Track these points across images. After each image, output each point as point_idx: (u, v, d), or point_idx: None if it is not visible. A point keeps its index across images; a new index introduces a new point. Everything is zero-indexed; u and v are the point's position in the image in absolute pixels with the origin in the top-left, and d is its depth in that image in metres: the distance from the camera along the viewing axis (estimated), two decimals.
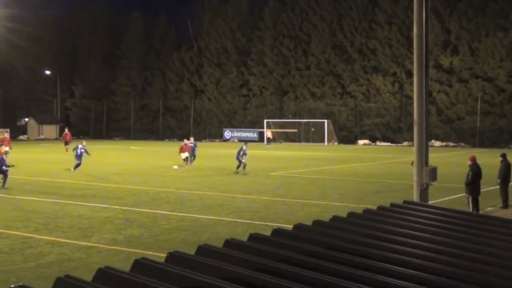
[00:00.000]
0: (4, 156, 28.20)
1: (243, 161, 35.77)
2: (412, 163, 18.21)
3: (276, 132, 77.37)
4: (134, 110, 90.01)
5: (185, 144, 39.75)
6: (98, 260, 14.11)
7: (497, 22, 66.71)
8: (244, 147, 36.71)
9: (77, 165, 35.42)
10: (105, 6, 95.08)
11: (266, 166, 40.51)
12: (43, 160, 46.12)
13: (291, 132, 76.62)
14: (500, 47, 65.94)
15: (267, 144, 68.95)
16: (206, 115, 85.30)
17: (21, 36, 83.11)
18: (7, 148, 34.27)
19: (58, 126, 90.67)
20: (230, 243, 7.01)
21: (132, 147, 50.14)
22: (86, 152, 36.55)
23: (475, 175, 20.69)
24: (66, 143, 53.37)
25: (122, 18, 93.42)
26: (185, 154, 39.33)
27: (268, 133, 71.81)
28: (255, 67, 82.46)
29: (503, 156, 23.79)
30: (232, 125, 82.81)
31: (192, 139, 43.31)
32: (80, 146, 36.30)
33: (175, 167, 35.64)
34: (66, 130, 56.24)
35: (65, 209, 21.81)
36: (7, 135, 42.60)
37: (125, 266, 6.61)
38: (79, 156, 35.73)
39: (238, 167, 35.69)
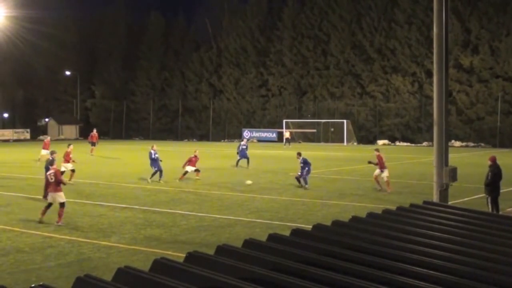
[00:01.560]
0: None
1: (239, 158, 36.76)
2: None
3: (295, 132, 77.26)
4: (153, 110, 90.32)
5: (195, 156, 32.48)
6: (118, 259, 14.19)
7: None
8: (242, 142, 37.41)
9: (155, 173, 30.67)
10: (124, 6, 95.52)
11: (285, 166, 40.46)
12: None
13: (310, 132, 76.49)
14: None
15: (285, 145, 68.81)
16: (225, 115, 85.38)
17: (41, 37, 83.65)
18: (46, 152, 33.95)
19: (78, 126, 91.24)
20: (249, 243, 7.03)
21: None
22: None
23: (494, 175, 20.54)
24: (93, 144, 51.82)
25: (141, 19, 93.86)
26: (190, 168, 32.05)
27: (286, 134, 71.64)
28: (274, 67, 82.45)
29: None
30: (251, 125, 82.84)
31: (245, 140, 43.03)
32: (152, 151, 31.10)
33: (248, 182, 29.61)
34: (94, 131, 54.66)
35: (84, 209, 21.95)
36: (47, 140, 42.07)
37: (144, 266, 6.65)
38: (154, 162, 30.86)
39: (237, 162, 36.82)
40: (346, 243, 7.01)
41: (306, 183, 28.93)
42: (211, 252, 6.94)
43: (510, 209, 22.02)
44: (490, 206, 20.34)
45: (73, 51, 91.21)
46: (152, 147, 31.81)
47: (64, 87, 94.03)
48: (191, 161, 32.07)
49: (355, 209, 20.74)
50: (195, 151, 33.03)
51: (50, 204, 19.36)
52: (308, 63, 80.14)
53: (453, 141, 65.19)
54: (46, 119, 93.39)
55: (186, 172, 31.62)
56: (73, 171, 30.17)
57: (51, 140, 46.16)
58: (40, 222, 19.07)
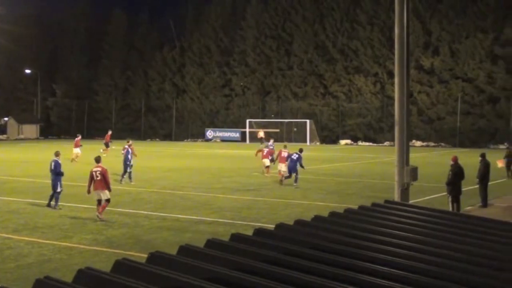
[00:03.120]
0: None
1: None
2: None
3: (255, 132, 77.27)
4: (116, 109, 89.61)
5: (269, 149, 34.29)
6: (79, 261, 14.02)
7: (477, 24, 67.30)
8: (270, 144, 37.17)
9: (126, 172, 30.16)
10: (87, 4, 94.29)
11: (249, 165, 40.47)
12: (23, 160, 45.76)
13: (273, 132, 76.64)
14: (480, 49, 66.52)
15: (261, 144, 68.89)
16: (188, 114, 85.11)
17: (0, 35, 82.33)
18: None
19: (38, 126, 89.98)
20: (212, 243, 6.99)
21: (113, 147, 49.84)
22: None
23: (455, 175, 20.83)
24: (107, 145, 50.88)
25: (104, 17, 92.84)
26: (267, 161, 33.79)
27: (260, 133, 71.65)
28: (237, 67, 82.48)
29: (482, 156, 24.00)
30: (214, 125, 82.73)
31: (272, 141, 40.91)
32: (130, 149, 30.72)
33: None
34: (110, 132, 54.34)
35: (45, 210, 21.65)
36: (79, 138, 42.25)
37: (106, 267, 6.57)
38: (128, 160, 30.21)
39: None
40: (309, 242, 7.01)
41: (295, 181, 29.20)
42: (173, 252, 6.89)
43: (470, 208, 22.32)
44: (451, 205, 20.60)
45: (34, 49, 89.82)
46: (130, 144, 31.46)
47: (24, 85, 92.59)
48: (264, 155, 34.13)
49: (318, 209, 20.82)
50: (267, 146, 36.15)
51: (99, 201, 19.82)
52: (271, 63, 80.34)
53: (414, 140, 65.93)
54: (5, 118, 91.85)
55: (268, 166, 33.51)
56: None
57: (9, 138, 45.44)
58: (101, 220, 19.42)
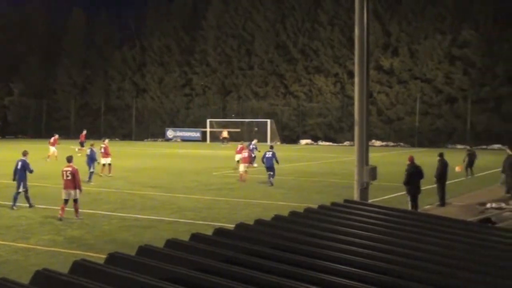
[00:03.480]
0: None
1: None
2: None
3: (219, 132, 77.22)
4: (75, 108, 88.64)
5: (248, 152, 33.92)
6: (36, 262, 13.81)
7: (435, 25, 68.23)
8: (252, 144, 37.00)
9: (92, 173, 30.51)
10: (45, 2, 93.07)
11: (209, 165, 40.41)
12: None
13: (234, 131, 76.60)
14: (438, 50, 67.45)
15: (223, 144, 69.11)
16: (148, 114, 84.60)
17: None
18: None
19: None
20: (172, 243, 6.95)
21: (72, 146, 49.29)
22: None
23: (410, 175, 21.07)
24: (82, 144, 50.66)
25: (63, 15, 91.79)
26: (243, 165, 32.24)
27: (224, 133, 71.71)
28: (198, 67, 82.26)
29: (440, 155, 24.34)
30: (174, 125, 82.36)
31: (255, 141, 41.90)
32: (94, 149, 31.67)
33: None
34: (84, 131, 54.56)
35: (1, 211, 21.31)
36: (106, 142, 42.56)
37: (64, 268, 6.49)
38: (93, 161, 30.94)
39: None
40: (269, 242, 7.02)
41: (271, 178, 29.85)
42: (133, 252, 6.83)
43: (428, 207, 22.59)
44: (410, 204, 20.84)
45: None
46: (93, 145, 32.16)
47: None
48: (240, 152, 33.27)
49: (278, 208, 20.86)
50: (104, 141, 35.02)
51: (66, 200, 19.85)
52: (232, 63, 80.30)
53: (373, 140, 66.52)
54: None
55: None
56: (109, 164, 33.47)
57: None
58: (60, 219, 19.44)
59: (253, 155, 36.38)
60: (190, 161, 45.21)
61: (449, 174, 24.83)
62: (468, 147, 39.34)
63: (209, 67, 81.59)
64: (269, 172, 29.93)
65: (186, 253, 6.64)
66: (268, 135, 72.94)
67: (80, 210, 20.74)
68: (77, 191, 19.89)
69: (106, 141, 35.22)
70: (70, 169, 19.92)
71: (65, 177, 19.84)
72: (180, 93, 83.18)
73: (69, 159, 20.59)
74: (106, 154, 33.61)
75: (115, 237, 17.04)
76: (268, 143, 71.15)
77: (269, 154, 30.38)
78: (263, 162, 30.86)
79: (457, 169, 32.80)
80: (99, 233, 17.61)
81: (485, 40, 64.85)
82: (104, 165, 33.53)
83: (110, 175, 32.87)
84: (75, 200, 19.82)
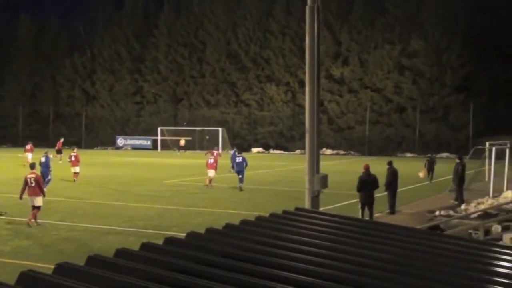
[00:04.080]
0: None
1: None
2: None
3: (170, 140, 76.85)
4: (23, 116, 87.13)
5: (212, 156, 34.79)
6: None
7: (385, 35, 69.19)
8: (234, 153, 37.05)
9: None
10: None
11: (160, 174, 40.15)
12: None
13: (186, 140, 76.31)
14: (387, 59, 68.39)
15: (178, 151, 69.09)
16: (98, 122, 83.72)
17: None
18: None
19: None
20: (122, 253, 6.86)
21: (20, 155, 48.47)
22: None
23: (361, 182, 21.30)
24: (59, 151, 51.67)
25: (12, 22, 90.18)
26: (212, 172, 32.88)
27: (181, 142, 71.44)
28: (149, 74, 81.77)
29: (390, 163, 24.64)
30: (125, 133, 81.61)
31: (234, 149, 42.49)
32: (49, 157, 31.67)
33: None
34: (62, 139, 55.54)
35: None
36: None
37: (11, 279, 6.36)
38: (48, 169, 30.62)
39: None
40: (220, 250, 6.99)
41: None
42: (82, 263, 6.73)
43: (378, 215, 22.81)
44: (360, 212, 21.01)
45: None
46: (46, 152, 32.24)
47: None
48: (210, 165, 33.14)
49: (230, 216, 20.84)
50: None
51: (33, 207, 20.14)
52: (183, 71, 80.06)
53: (324, 149, 66.98)
54: None
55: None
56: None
57: None
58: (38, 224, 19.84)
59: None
60: (141, 169, 44.86)
61: (412, 180, 25.15)
62: (430, 154, 41.39)
63: (160, 75, 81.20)
64: (239, 176, 31.38)
65: (136, 262, 6.57)
66: (219, 143, 72.73)
67: (27, 219, 20.37)
68: (41, 197, 20.17)
69: (76, 149, 36.31)
70: (34, 176, 20.21)
71: (29, 184, 20.04)
72: (131, 101, 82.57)
73: (32, 166, 21.01)
74: (77, 162, 34.62)
75: (64, 247, 16.78)
76: (220, 151, 71.15)
77: (239, 159, 32.01)
78: (233, 167, 32.86)
79: (421, 174, 34.23)
80: (48, 243, 17.32)
81: (433, 50, 66.04)
82: (75, 173, 34.48)
83: (75, 182, 33.86)
84: (38, 207, 20.09)
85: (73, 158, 34.72)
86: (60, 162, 47.15)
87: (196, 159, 57.98)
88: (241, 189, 30.78)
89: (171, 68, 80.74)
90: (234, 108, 77.20)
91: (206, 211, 23.61)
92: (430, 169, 36.54)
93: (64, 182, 33.40)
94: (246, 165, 31.80)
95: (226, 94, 77.79)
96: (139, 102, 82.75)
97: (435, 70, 65.81)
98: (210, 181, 32.59)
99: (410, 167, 40.61)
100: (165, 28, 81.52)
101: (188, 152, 69.77)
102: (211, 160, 33.14)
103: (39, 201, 20.15)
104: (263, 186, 33.44)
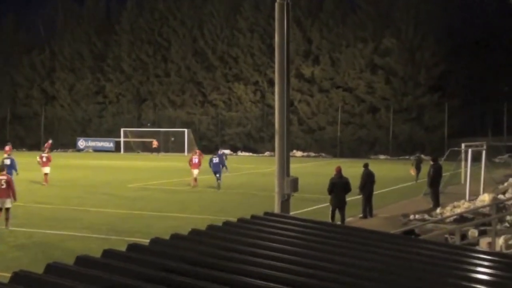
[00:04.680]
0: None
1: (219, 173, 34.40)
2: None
3: (134, 142, 76.47)
4: None
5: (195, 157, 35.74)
6: None
7: (357, 33, 69.40)
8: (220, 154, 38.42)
9: None
10: None
11: (123, 177, 39.95)
12: None
13: (150, 141, 75.97)
14: (359, 58, 68.64)
15: (152, 153, 69.11)
16: (58, 123, 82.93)
17: None
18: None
19: None
20: (82, 260, 6.81)
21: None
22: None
23: (332, 184, 21.43)
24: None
25: None
26: (196, 172, 34.65)
27: (154, 143, 71.22)
28: (111, 73, 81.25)
29: (365, 166, 24.78)
30: (86, 134, 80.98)
31: (221, 150, 44.11)
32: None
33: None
34: (50, 141, 55.72)
35: None
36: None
37: None
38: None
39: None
40: (186, 257, 6.97)
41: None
42: (40, 271, 6.66)
43: (351, 219, 22.93)
44: (331, 216, 21.11)
45: None
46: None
47: None
48: (193, 164, 34.80)
49: (196, 222, 20.78)
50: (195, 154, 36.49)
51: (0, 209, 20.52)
52: (147, 70, 79.71)
53: (294, 151, 67.06)
54: None
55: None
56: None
57: None
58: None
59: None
60: (103, 172, 44.57)
61: (387, 182, 25.29)
62: (417, 154, 42.83)
63: (123, 74, 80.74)
64: (216, 176, 33.33)
65: (97, 270, 6.51)
66: (185, 145, 72.53)
67: None
68: (11, 199, 20.57)
69: (47, 150, 37.01)
70: (4, 177, 20.65)
71: (0, 186, 20.33)
72: (92, 101, 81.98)
73: (1, 168, 21.50)
74: (48, 162, 35.29)
75: (22, 254, 16.60)
76: (186, 154, 70.99)
77: (216, 160, 33.95)
78: (210, 167, 33.93)
79: (412, 172, 37.02)
80: (4, 249, 17.13)
81: (406, 48, 66.45)
82: (46, 174, 35.01)
83: (45, 184, 34.37)
84: (7, 209, 20.51)
85: (44, 159, 35.09)
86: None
87: (160, 161, 57.76)
88: (219, 188, 32.93)
89: (134, 66, 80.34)
90: (200, 108, 77.04)
91: (172, 216, 23.54)
92: (417, 168, 37.86)
93: (26, 185, 33.01)
94: (223, 165, 34.01)
95: (192, 94, 77.62)
96: (101, 102, 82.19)
97: (409, 69, 66.23)
98: (196, 180, 34.18)
99: (384, 170, 40.93)
100: (128, 24, 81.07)
101: (161, 154, 69.63)
102: (196, 160, 34.75)
103: (9, 203, 20.57)
104: (231, 189, 33.42)
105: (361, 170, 25.47)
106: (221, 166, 34.37)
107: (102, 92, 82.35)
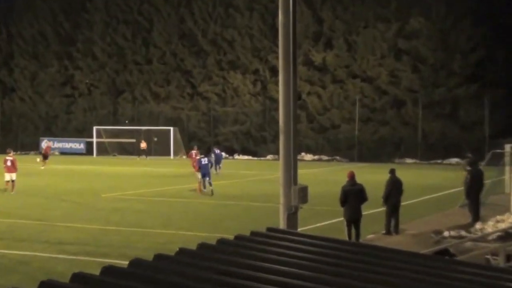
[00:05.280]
0: None
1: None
2: None
3: (109, 143, 76.48)
4: None
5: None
6: None
7: (377, 11, 69.02)
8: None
9: None
10: None
11: (96, 185, 39.94)
12: None
13: (128, 142, 75.99)
14: (380, 41, 68.35)
15: (139, 157, 69.20)
16: (17, 120, 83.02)
17: None
18: None
19: None
20: (47, 286, 6.82)
21: None
22: None
23: (344, 194, 21.31)
24: (45, 157, 54.17)
25: None
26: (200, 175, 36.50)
27: (143, 145, 71.07)
28: (82, 60, 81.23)
29: (392, 172, 24.57)
30: (52, 133, 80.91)
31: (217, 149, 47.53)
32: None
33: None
34: (49, 143, 55.60)
35: None
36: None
37: None
38: None
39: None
40: (171, 282, 6.99)
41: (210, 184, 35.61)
42: None
43: (372, 236, 22.87)
44: (347, 232, 21.06)
45: None
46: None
47: None
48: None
49: (184, 240, 20.81)
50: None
51: None
52: (125, 56, 79.71)
53: (303, 153, 67.00)
54: None
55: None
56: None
57: None
58: None
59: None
60: (72, 180, 44.55)
61: (416, 192, 25.18)
62: (468, 154, 41.16)
63: (96, 61, 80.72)
64: (206, 178, 35.44)
65: None
66: (171, 147, 72.50)
67: None
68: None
69: (12, 152, 36.79)
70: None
71: None
72: (59, 93, 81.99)
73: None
74: (13, 168, 35.05)
75: None
76: (172, 157, 71.04)
77: (205, 161, 35.74)
78: (216, 169, 37.11)
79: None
80: None
81: (438, 30, 66.18)
82: (8, 181, 35.17)
83: (12, 193, 34.59)
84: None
85: (9, 163, 34.93)
86: (43, 168, 51.43)
87: (140, 167, 57.72)
88: (212, 193, 34.79)
89: (109, 52, 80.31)
90: (189, 102, 76.98)
91: (155, 233, 23.53)
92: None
93: None
94: (212, 165, 36.06)
95: (179, 85, 77.57)
96: (70, 95, 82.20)
97: (440, 55, 66.02)
98: (203, 185, 36.01)
99: (412, 176, 40.74)
100: (102, 1, 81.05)
101: (150, 158, 69.74)
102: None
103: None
104: (226, 201, 33.40)
105: (384, 177, 25.36)
106: (210, 165, 36.27)
107: (71, 82, 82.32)
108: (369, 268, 8.45)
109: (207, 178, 35.53)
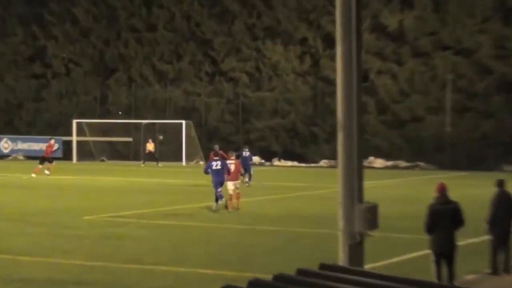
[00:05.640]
0: None
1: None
2: None
3: (95, 143, 76.70)
4: None
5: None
6: None
7: None
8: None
9: None
10: None
11: (77, 203, 40.18)
12: None
13: (122, 142, 76.28)
14: None
15: (143, 163, 69.66)
16: None
17: None
18: None
19: None
20: None
21: None
22: None
23: (433, 216, 20.96)
24: (50, 160, 57.03)
25: None
26: (229, 185, 37.40)
27: (150, 146, 70.83)
28: (56, 26, 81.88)
29: (500, 184, 24.16)
30: (14, 130, 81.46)
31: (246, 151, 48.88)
32: None
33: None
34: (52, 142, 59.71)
35: None
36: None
37: None
38: None
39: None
40: None
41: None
42: None
43: (472, 276, 22.70)
44: (436, 270, 20.91)
45: None
46: None
47: None
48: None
49: (201, 280, 20.87)
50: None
51: None
52: (117, 19, 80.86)
53: (371, 158, 66.96)
54: None
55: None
56: None
57: None
58: None
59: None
60: (44, 195, 44.79)
61: None
62: None
63: (76, 26, 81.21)
64: (218, 189, 36.06)
65: None
66: (183, 148, 72.49)
67: None
68: None
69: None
70: None
71: None
72: (25, 73, 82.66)
73: None
74: None
75: None
76: (184, 163, 71.21)
77: (217, 165, 36.33)
78: (208, 173, 36.60)
79: None
80: None
81: None
82: None
83: None
84: None
85: None
86: (48, 173, 54.55)
87: (138, 177, 57.94)
88: (226, 207, 36.34)
89: (94, 13, 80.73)
90: (208, 85, 77.07)
91: (159, 271, 23.56)
92: None
93: None
94: (229, 171, 35.92)
95: (194, 61, 77.73)
96: (40, 75, 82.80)
97: None
98: (231, 199, 36.65)
99: None
100: None
101: (161, 163, 70.13)
102: (230, 165, 36.82)
103: None
104: (262, 225, 33.41)
105: (488, 191, 25.17)
106: (225, 173, 36.21)
107: (41, 57, 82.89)
108: None
109: (219, 189, 36.07)
